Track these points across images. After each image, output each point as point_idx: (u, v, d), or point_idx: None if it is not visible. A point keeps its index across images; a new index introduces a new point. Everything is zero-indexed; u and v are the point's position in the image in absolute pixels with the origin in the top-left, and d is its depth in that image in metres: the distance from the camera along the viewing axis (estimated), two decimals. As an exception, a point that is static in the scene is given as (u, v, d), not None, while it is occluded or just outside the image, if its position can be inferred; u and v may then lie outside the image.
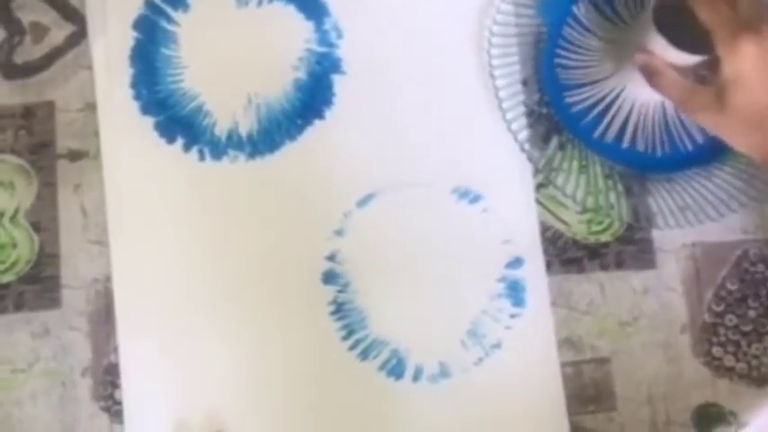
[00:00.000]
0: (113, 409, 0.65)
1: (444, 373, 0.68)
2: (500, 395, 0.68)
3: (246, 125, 0.70)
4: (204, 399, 0.66)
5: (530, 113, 0.72)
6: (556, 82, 0.72)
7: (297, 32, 0.71)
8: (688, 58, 0.64)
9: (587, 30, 0.72)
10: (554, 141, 0.72)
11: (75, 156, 0.68)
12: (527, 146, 0.70)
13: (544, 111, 0.72)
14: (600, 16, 0.72)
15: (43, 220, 0.67)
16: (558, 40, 0.72)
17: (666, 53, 0.65)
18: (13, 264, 0.66)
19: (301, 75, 0.71)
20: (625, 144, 0.72)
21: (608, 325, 0.70)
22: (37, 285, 0.66)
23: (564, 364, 0.69)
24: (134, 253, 0.67)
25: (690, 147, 0.72)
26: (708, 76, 0.65)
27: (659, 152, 0.72)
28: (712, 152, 0.72)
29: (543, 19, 0.73)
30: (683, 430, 0.69)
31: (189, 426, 0.65)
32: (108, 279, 0.67)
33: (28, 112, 0.68)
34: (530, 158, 0.70)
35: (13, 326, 0.66)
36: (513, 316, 0.69)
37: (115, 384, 0.66)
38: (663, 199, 0.71)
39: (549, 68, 0.72)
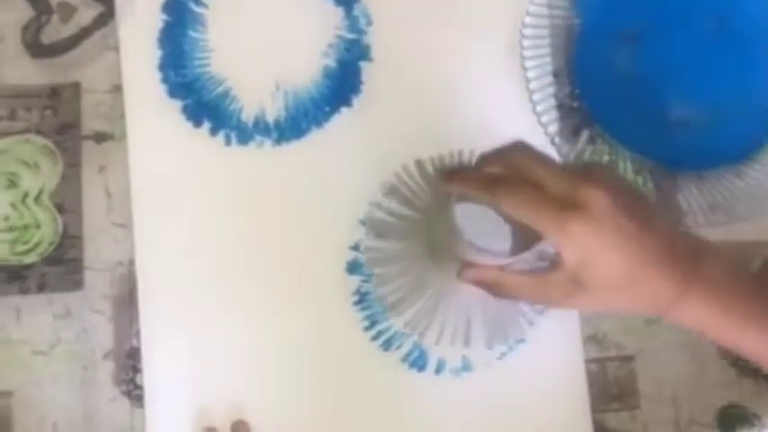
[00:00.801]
0: (134, 394, 0.65)
1: (467, 366, 0.67)
2: (523, 390, 0.67)
3: (273, 112, 0.69)
4: (226, 386, 0.65)
5: (560, 106, 0.71)
6: (587, 75, 0.71)
7: (327, 18, 0.70)
8: (517, 257, 0.59)
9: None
10: (584, 135, 0.71)
11: (100, 137, 0.68)
12: (557, 139, 0.69)
13: (575, 104, 0.71)
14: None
15: (67, 202, 0.67)
16: (590, 33, 0.71)
17: (490, 260, 0.59)
18: (37, 244, 0.66)
19: (330, 62, 0.70)
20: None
21: (633, 323, 0.69)
22: (60, 267, 0.66)
23: (588, 361, 0.68)
24: (158, 237, 0.67)
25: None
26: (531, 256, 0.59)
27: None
28: (743, 150, 0.71)
29: (576, 10, 0.72)
30: (706, 431, 0.69)
31: (210, 412, 0.65)
32: (132, 263, 0.66)
33: (54, 93, 0.68)
34: (559, 152, 0.69)
35: (36, 307, 0.65)
36: (538, 311, 0.68)
37: (137, 369, 0.65)
38: (693, 197, 0.70)
39: (580, 61, 0.71)
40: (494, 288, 0.60)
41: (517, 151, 0.57)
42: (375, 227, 0.67)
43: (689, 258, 0.55)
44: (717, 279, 0.55)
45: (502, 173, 0.57)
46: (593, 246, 0.53)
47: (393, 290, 0.67)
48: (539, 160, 0.56)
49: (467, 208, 0.59)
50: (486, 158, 0.59)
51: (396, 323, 0.67)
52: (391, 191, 0.68)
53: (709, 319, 0.55)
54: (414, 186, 0.68)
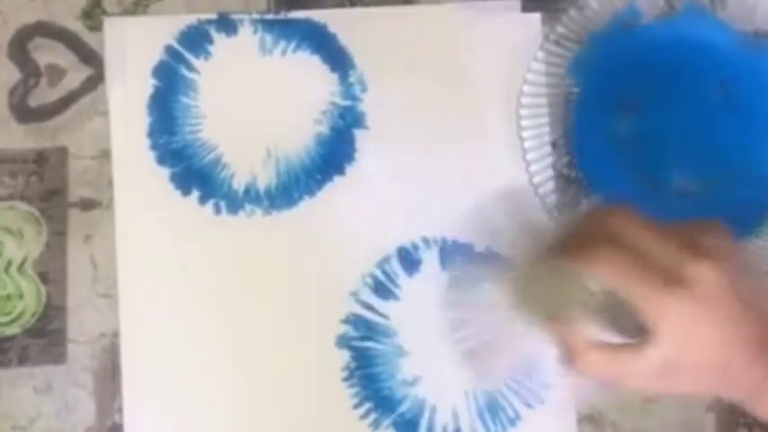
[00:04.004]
0: (115, 472, 0.63)
1: (459, 445, 0.66)
2: (516, 471, 0.66)
3: (265, 179, 0.67)
4: (210, 465, 0.64)
5: (558, 177, 0.69)
6: (586, 144, 0.70)
7: (321, 84, 0.69)
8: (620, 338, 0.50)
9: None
10: (583, 206, 0.69)
11: (87, 205, 0.66)
12: (555, 211, 0.68)
13: (573, 174, 0.70)
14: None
15: (51, 271, 0.65)
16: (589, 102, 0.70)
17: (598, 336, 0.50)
18: (19, 315, 0.64)
19: (323, 129, 0.68)
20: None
21: (630, 401, 0.67)
22: (42, 339, 0.64)
23: (584, 442, 0.66)
24: (143, 308, 0.65)
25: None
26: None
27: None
28: (747, 222, 0.70)
29: (575, 79, 0.70)
30: None
31: (193, 493, 0.63)
32: (115, 334, 0.65)
33: (40, 158, 0.66)
34: (556, 224, 0.68)
35: (16, 381, 0.64)
36: (538, 398, 0.66)
37: (118, 446, 0.63)
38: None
39: (579, 130, 0.70)
40: (574, 360, 0.49)
41: (618, 215, 0.49)
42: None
43: None
44: None
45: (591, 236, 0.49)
46: (698, 329, 0.47)
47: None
48: (641, 224, 0.49)
49: None
50: (582, 221, 0.52)
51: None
52: None
53: None
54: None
